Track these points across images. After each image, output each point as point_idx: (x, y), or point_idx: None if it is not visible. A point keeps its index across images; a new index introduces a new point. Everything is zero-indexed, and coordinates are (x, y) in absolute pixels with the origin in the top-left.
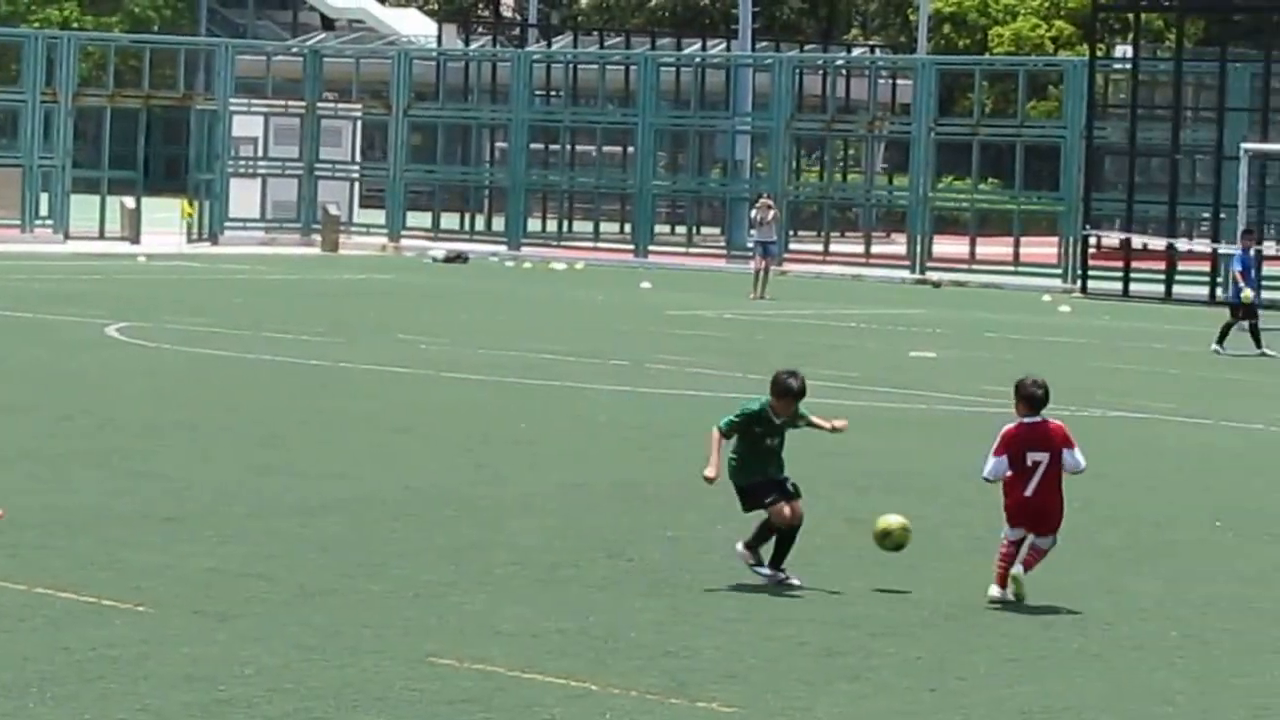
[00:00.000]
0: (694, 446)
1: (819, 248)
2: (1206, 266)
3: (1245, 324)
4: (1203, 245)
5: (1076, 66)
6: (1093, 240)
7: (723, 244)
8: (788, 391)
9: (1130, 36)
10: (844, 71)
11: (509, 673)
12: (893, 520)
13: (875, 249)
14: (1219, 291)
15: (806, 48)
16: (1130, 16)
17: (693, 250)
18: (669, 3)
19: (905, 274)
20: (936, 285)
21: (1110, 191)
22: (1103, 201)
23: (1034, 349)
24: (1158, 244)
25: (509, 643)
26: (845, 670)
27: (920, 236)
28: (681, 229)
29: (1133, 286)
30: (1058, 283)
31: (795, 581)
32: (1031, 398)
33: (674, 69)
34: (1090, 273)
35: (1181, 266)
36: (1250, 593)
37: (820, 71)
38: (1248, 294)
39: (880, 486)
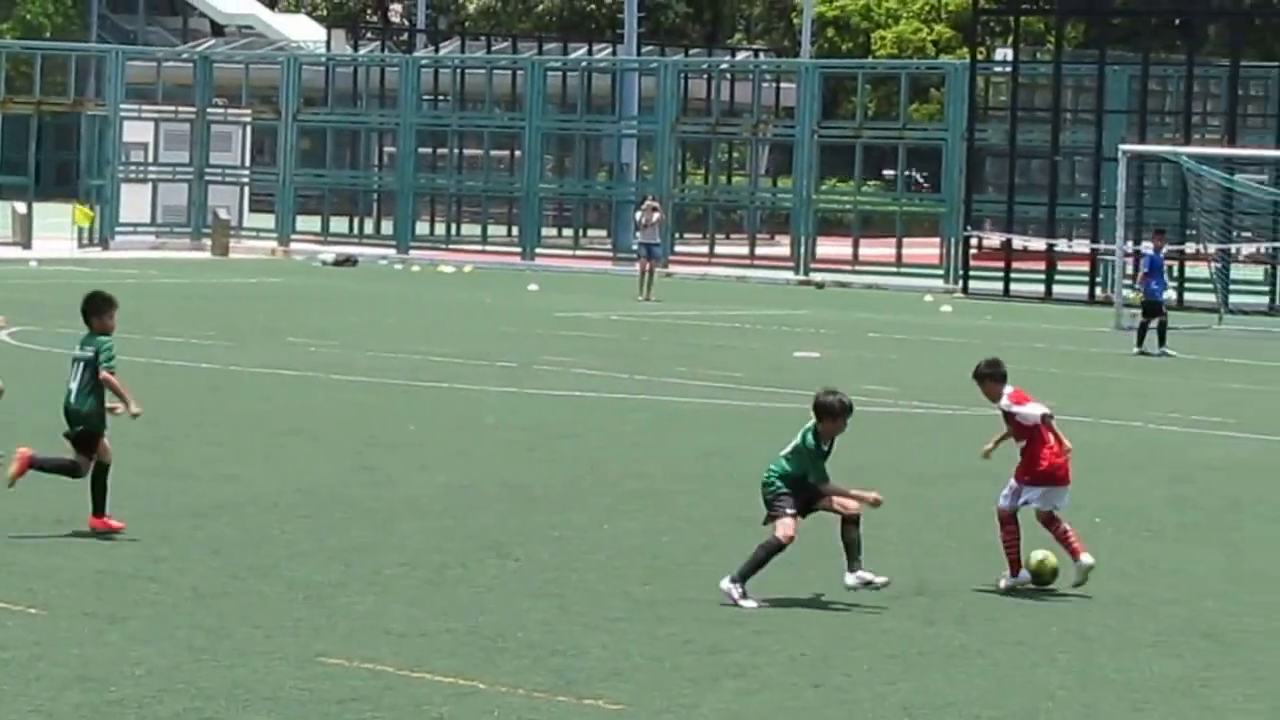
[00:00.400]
0: (581, 447)
1: (704, 249)
2: (1086, 266)
3: (1152, 322)
4: (1082, 245)
5: (958, 69)
6: (974, 241)
7: (609, 246)
8: (841, 410)
9: (1010, 39)
10: (728, 75)
11: (398, 672)
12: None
13: (759, 250)
14: (1098, 290)
15: (691, 52)
16: (1010, 20)
17: (579, 253)
18: (555, 8)
19: (789, 275)
20: (820, 286)
21: (991, 193)
22: (983, 203)
23: (917, 349)
24: (1038, 244)
25: (398, 642)
26: (730, 667)
27: (804, 238)
28: (568, 232)
29: (1013, 286)
30: (939, 283)
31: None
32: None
33: (560, 74)
34: (971, 273)
35: (1061, 266)
36: (1129, 589)
37: (705, 75)
38: (1134, 295)
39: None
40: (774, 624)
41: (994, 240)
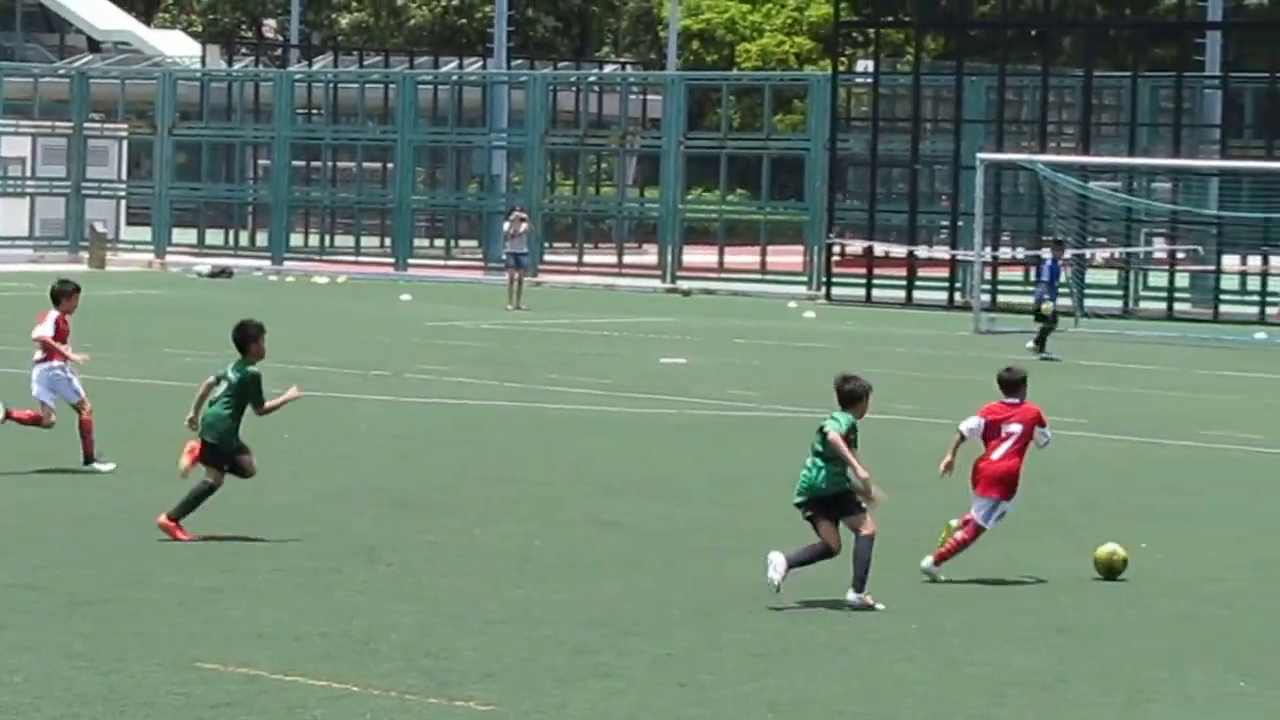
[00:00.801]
0: (454, 454)
1: (573, 259)
2: (945, 272)
3: (1039, 326)
4: (942, 252)
5: (820, 81)
6: (836, 248)
7: (480, 256)
8: (864, 393)
9: (871, 51)
10: (596, 88)
11: (273, 675)
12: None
13: (627, 259)
14: (957, 296)
15: (560, 65)
16: (871, 32)
17: (451, 263)
18: (427, 23)
19: (657, 283)
20: (686, 294)
21: (853, 201)
22: (846, 211)
23: (781, 354)
24: (899, 251)
25: (272, 646)
26: (598, 667)
27: (671, 247)
28: (440, 242)
29: (875, 292)
30: (803, 290)
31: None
32: (1005, 383)
33: (432, 87)
34: (834, 280)
35: (922, 273)
36: (985, 586)
37: (574, 88)
38: (1048, 306)
39: (634, 489)
40: (640, 624)
41: (856, 247)
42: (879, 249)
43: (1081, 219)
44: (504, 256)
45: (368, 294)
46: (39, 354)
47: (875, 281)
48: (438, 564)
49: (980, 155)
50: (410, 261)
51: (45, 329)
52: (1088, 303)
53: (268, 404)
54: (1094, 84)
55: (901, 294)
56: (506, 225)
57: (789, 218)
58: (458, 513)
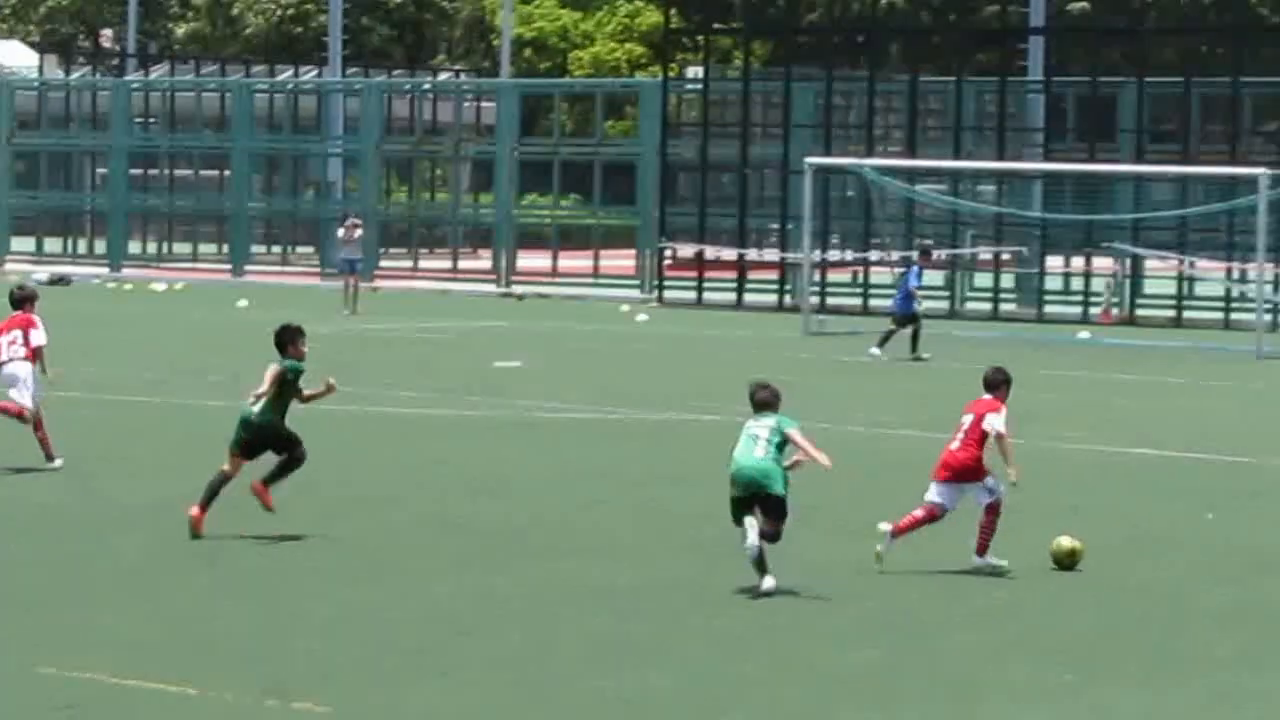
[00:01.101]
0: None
1: (409, 264)
2: (775, 275)
3: (905, 329)
4: (772, 255)
5: (651, 87)
6: (668, 252)
7: (317, 262)
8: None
9: (701, 57)
10: (431, 95)
11: (111, 680)
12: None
13: (462, 264)
14: (787, 298)
15: (395, 73)
16: (701, 38)
17: (288, 269)
18: (262, 32)
19: (491, 288)
20: (520, 298)
21: (684, 205)
22: (677, 215)
23: (614, 357)
24: (729, 254)
25: (111, 650)
26: (434, 667)
27: (505, 251)
28: (277, 248)
29: (706, 295)
30: (636, 293)
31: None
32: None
33: (268, 95)
34: (666, 283)
35: (752, 276)
36: (814, 582)
37: (408, 96)
38: (922, 307)
39: (470, 490)
40: (474, 624)
41: (687, 251)
42: (710, 252)
43: (908, 222)
44: (339, 262)
45: (205, 300)
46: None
47: (706, 284)
48: (274, 567)
49: (808, 159)
50: (247, 268)
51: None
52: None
53: (307, 394)
54: (919, 88)
55: (732, 296)
56: (341, 232)
57: (621, 222)
58: (294, 516)
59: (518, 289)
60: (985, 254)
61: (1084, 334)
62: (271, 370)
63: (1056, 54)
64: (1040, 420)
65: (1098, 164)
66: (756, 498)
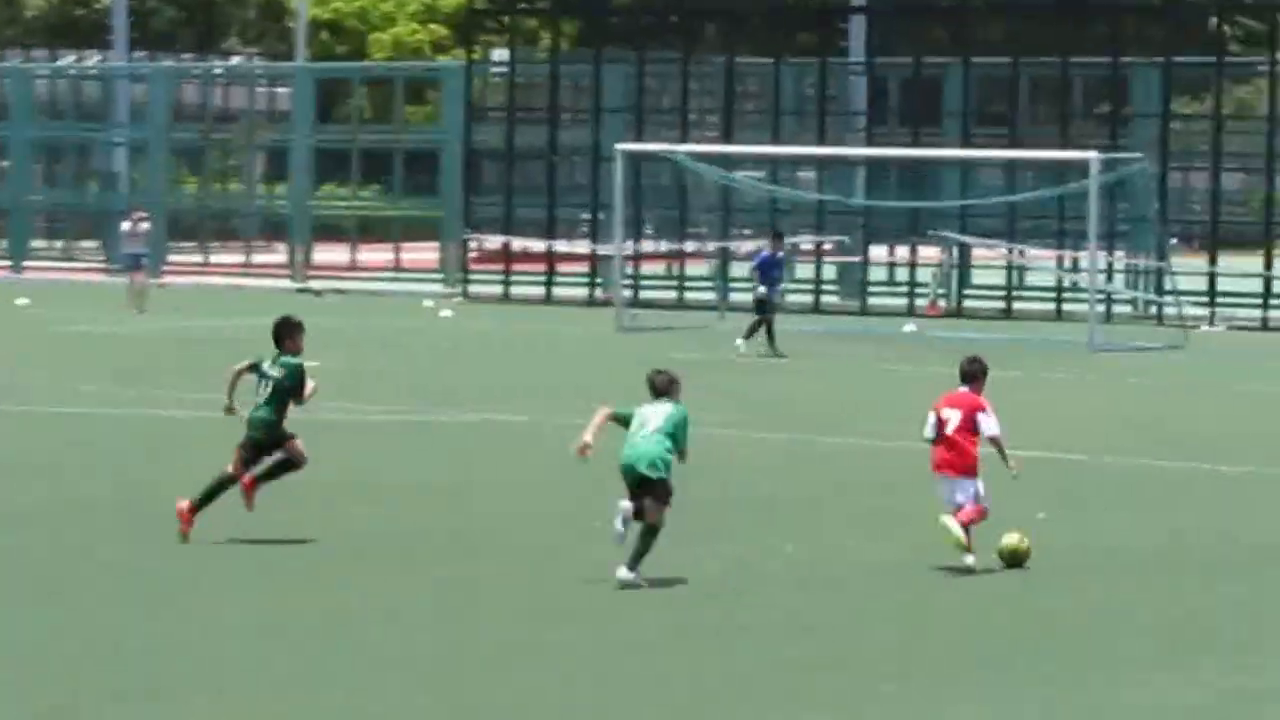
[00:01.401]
0: (69, 469)
1: (199, 258)
2: (586, 268)
3: (764, 321)
4: (582, 247)
5: (454, 71)
6: (473, 244)
7: (102, 258)
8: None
9: (506, 39)
10: (222, 80)
11: None
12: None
13: (256, 258)
14: (599, 292)
15: (184, 57)
16: (506, 19)
17: (71, 265)
18: (43, 14)
19: (287, 283)
20: (318, 294)
21: (490, 195)
22: (483, 205)
23: (416, 355)
24: (538, 246)
25: None
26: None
27: (301, 245)
28: (59, 243)
29: (514, 289)
30: (440, 288)
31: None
32: (962, 373)
33: (49, 81)
34: (472, 277)
35: (561, 268)
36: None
37: (198, 81)
38: (762, 290)
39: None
40: (268, 647)
41: (493, 243)
42: (517, 244)
43: (725, 211)
44: (122, 257)
45: None
46: None
47: (514, 278)
48: (47, 583)
49: (620, 146)
50: (27, 264)
51: None
52: (733, 296)
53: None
54: (736, 70)
55: (541, 291)
56: (126, 225)
57: (424, 213)
58: (61, 531)
59: (315, 284)
60: (806, 244)
61: (910, 327)
62: (234, 370)
63: (879, 34)
64: (863, 417)
65: (923, 149)
66: (640, 482)
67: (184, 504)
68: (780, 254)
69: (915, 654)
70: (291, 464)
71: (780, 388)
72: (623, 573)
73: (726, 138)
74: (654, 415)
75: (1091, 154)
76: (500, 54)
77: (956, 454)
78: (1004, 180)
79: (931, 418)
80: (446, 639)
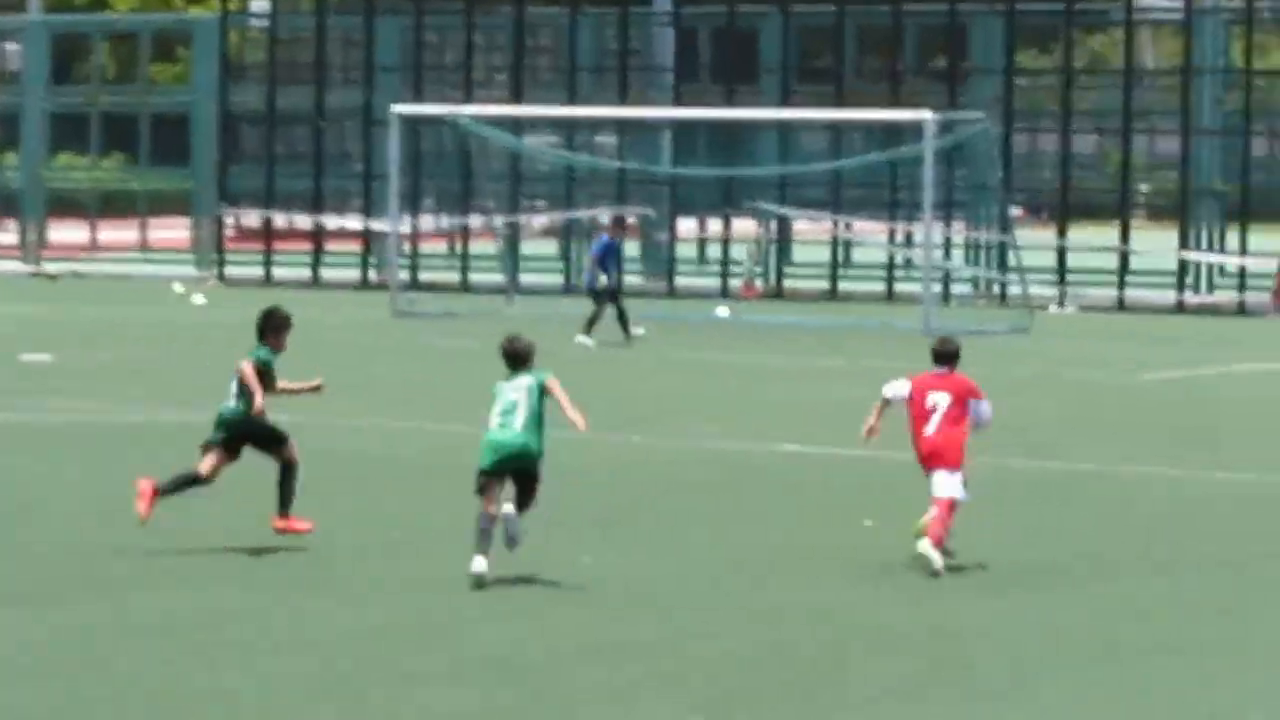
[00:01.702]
0: None
1: None
2: (358, 246)
3: (602, 310)
4: (353, 223)
5: (206, 24)
6: (230, 220)
7: None
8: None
9: None
10: None
11: None
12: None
13: None
14: (373, 274)
15: None
16: None
17: None
18: None
19: (18, 265)
20: (53, 278)
21: (249, 164)
22: (240, 176)
23: (165, 348)
24: (303, 222)
25: None
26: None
27: (33, 222)
28: None
29: (276, 271)
30: (192, 270)
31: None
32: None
33: None
34: (228, 258)
35: (330, 247)
36: (427, 612)
37: None
38: (603, 280)
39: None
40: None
41: (253, 219)
42: (279, 220)
43: (515, 180)
44: None
45: None
46: None
47: (276, 258)
48: None
49: (395, 107)
50: None
51: None
52: (523, 278)
53: (281, 385)
54: (527, 22)
55: (307, 272)
56: None
57: (173, 186)
58: None
59: (50, 267)
60: (605, 217)
61: (722, 310)
62: (246, 368)
63: None
64: (670, 414)
65: (737, 109)
66: (512, 472)
67: (147, 485)
68: (619, 240)
69: (732, 679)
70: (291, 471)
71: (579, 380)
72: (478, 564)
73: (516, 98)
74: (518, 394)
75: (926, 114)
76: (260, 4)
77: (947, 443)
78: (829, 144)
79: (905, 388)
80: None
